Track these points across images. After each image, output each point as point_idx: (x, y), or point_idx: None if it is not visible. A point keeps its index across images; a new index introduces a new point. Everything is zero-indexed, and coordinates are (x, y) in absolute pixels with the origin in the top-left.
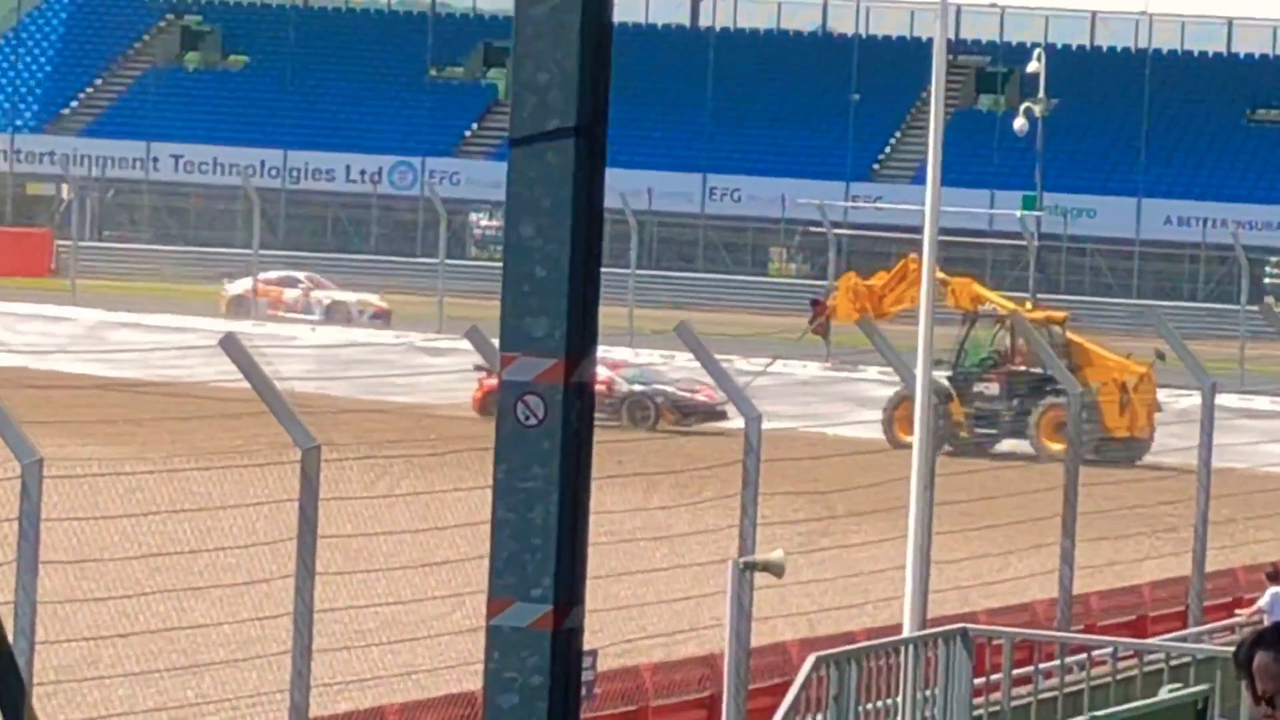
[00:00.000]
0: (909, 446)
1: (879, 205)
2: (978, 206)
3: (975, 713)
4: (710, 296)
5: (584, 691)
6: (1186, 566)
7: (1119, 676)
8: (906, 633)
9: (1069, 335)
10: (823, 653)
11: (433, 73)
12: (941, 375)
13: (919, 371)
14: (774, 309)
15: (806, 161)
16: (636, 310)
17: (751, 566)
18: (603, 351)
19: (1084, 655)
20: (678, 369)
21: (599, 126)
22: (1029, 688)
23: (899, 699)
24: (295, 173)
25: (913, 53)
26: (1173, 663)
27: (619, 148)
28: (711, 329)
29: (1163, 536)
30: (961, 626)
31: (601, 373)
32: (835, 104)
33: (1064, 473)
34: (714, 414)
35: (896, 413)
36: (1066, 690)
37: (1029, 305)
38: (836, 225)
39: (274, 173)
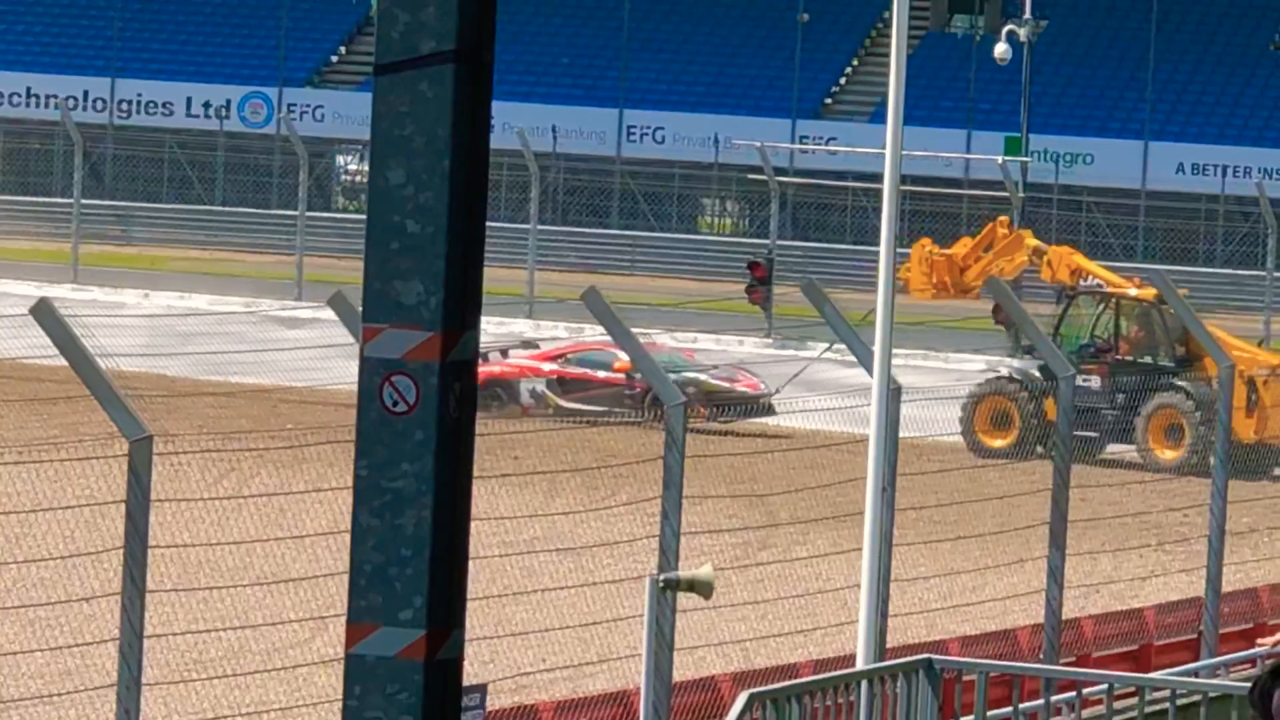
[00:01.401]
0: (998, 453)
1: (832, 148)
2: (951, 150)
3: None
4: (627, 257)
5: None
6: (1199, 586)
7: (1116, 718)
8: (860, 665)
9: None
10: (758, 689)
11: None
12: (1033, 364)
13: (877, 350)
14: (705, 273)
15: (744, 95)
16: (538, 274)
17: (673, 585)
18: (672, 338)
19: (1074, 692)
20: (709, 353)
21: (484, 49)
22: None
23: None
24: (125, 106)
25: None
26: (1180, 701)
27: (515, 77)
28: (628, 296)
29: (1171, 549)
30: (926, 657)
31: (621, 359)
32: (779, 25)
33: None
34: (758, 407)
35: (979, 409)
36: None
37: (1137, 281)
38: (780, 171)
39: (99, 105)
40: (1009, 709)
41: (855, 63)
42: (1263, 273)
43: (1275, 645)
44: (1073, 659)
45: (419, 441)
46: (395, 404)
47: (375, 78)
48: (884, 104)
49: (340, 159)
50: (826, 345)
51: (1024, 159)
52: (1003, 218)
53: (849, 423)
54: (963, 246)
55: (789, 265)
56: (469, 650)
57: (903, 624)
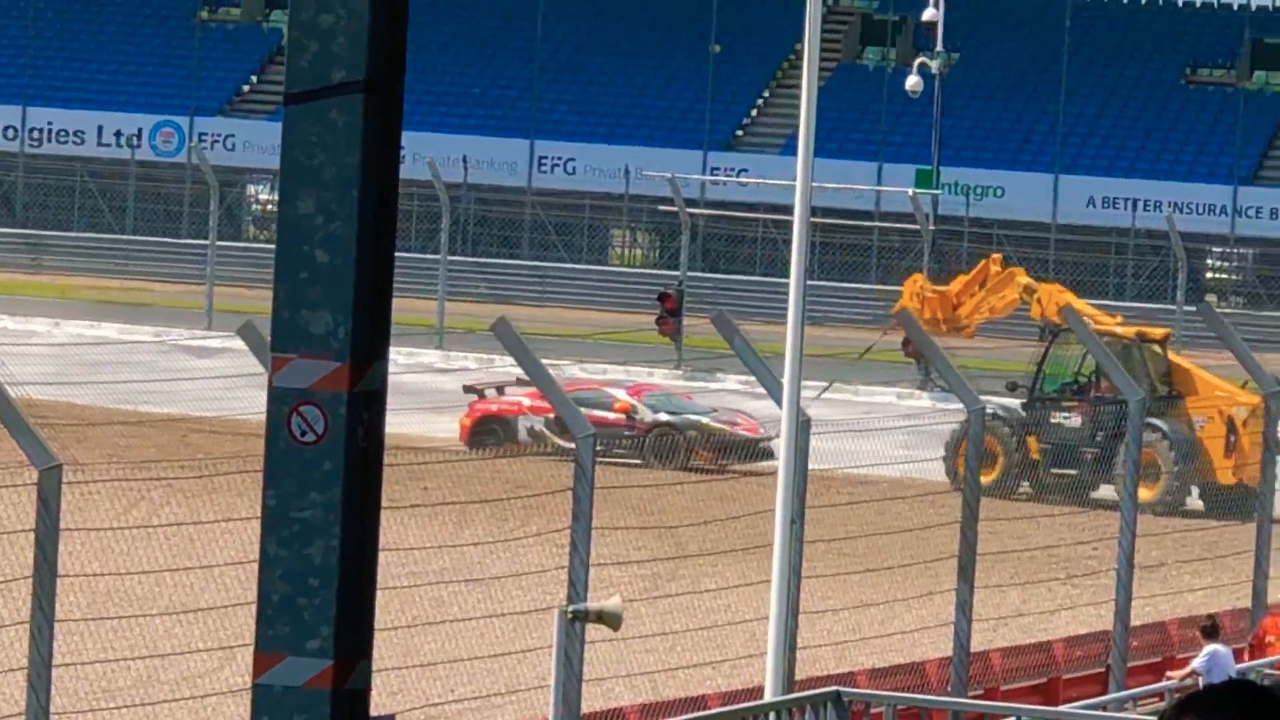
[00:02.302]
0: (982, 491)
1: (743, 180)
2: (862, 182)
3: None
4: (537, 288)
5: None
6: (1108, 619)
7: None
8: (769, 697)
9: (1172, 357)
10: None
11: (204, 14)
12: (1016, 402)
13: (785, 383)
14: (615, 304)
15: (656, 126)
16: (448, 304)
17: (582, 616)
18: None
19: None
20: (707, 393)
21: (394, 79)
22: None
23: None
24: (36, 134)
25: None
26: None
27: (426, 107)
28: (539, 327)
29: (1080, 583)
30: (835, 690)
31: (621, 399)
32: (691, 57)
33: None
34: (758, 451)
35: (962, 449)
36: None
37: (1119, 319)
38: (691, 203)
39: (10, 134)
40: None
41: (767, 94)
42: (1173, 306)
43: (1184, 679)
44: (981, 692)
45: (327, 471)
46: (304, 434)
47: (285, 107)
48: (795, 136)
49: (251, 188)
50: (826, 385)
51: (935, 192)
52: (995, 255)
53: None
54: (957, 284)
55: (699, 296)
56: (377, 680)
57: (811, 656)
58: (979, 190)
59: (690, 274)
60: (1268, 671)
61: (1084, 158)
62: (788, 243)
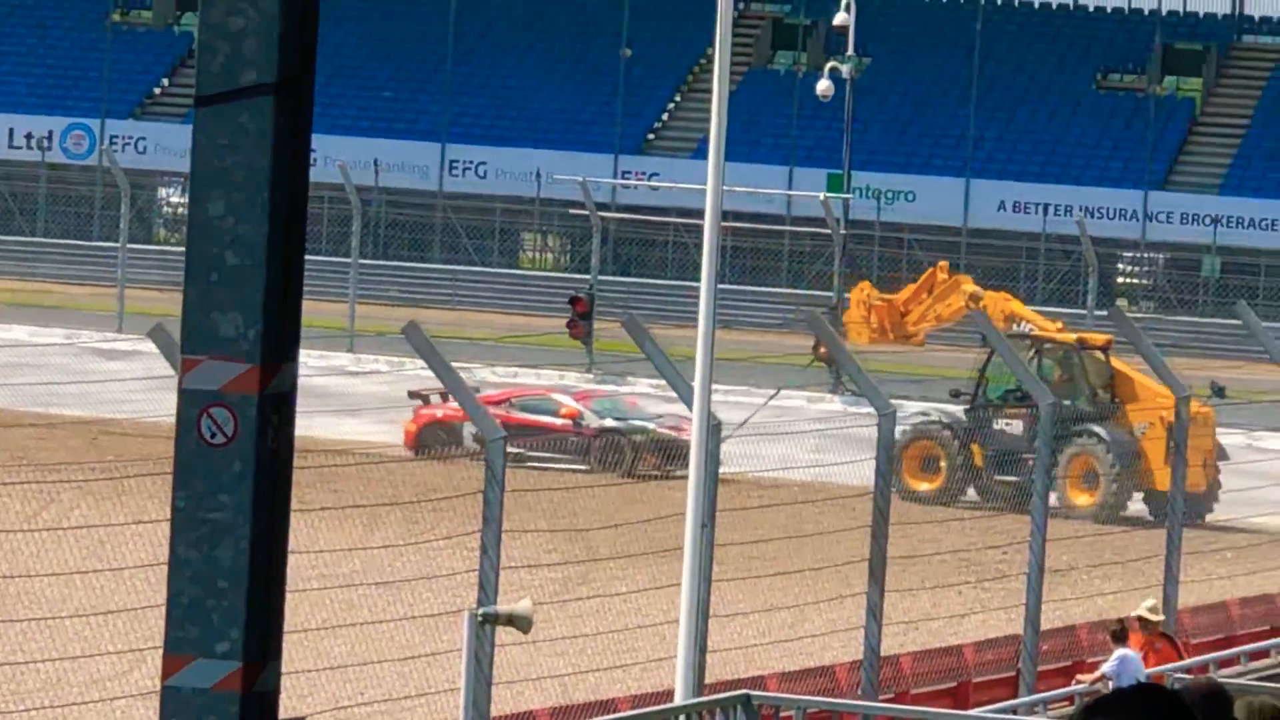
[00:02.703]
0: (922, 499)
1: (654, 184)
2: (773, 186)
3: None
4: (448, 291)
5: None
6: (1018, 623)
7: None
8: (679, 700)
9: (1114, 363)
10: None
11: (115, 17)
12: (959, 408)
13: (696, 386)
14: (526, 307)
15: (567, 130)
16: (359, 307)
17: (492, 619)
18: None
19: None
20: (650, 397)
21: (304, 82)
22: None
23: None
24: None
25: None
26: None
27: (337, 110)
28: (449, 331)
29: (990, 587)
30: (744, 693)
31: (568, 405)
32: (601, 61)
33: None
34: None
35: (907, 453)
36: None
37: (1060, 326)
38: (602, 207)
39: None
40: None
41: (678, 98)
42: (1084, 311)
43: (1093, 683)
44: (891, 696)
45: (237, 473)
46: (213, 435)
47: (195, 109)
48: (706, 140)
49: (162, 191)
50: (774, 392)
51: (846, 196)
52: (942, 262)
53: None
54: (906, 292)
55: (610, 300)
56: (287, 683)
57: (721, 659)
58: (890, 194)
59: (601, 277)
60: (1177, 675)
61: (995, 162)
62: (699, 246)
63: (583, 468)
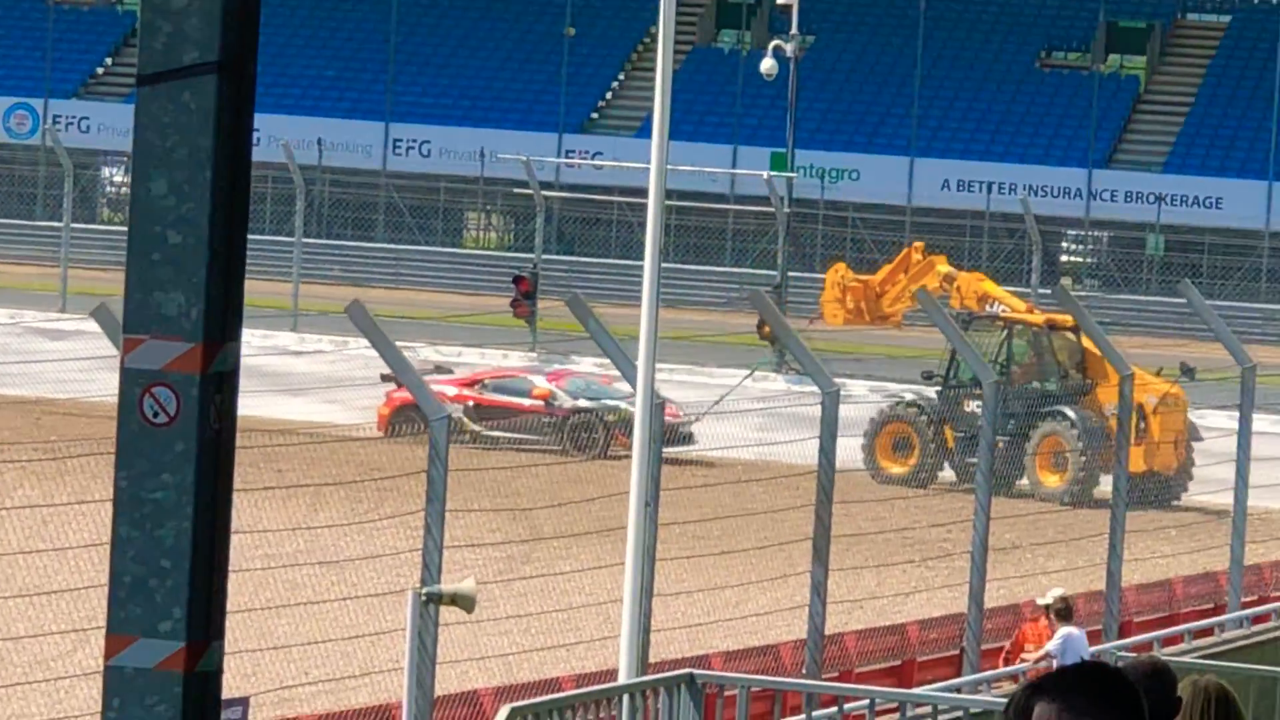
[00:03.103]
0: (896, 480)
1: (598, 163)
2: (717, 165)
3: None
4: (392, 271)
5: None
6: (962, 602)
7: None
8: (623, 679)
9: (1086, 343)
10: (520, 703)
11: None
12: (932, 390)
13: (640, 366)
14: (469, 287)
15: (510, 109)
16: (302, 287)
17: (436, 598)
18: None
19: (836, 708)
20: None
21: (247, 61)
22: None
23: None
24: None
25: None
26: (942, 717)
27: (280, 89)
28: (393, 310)
29: (934, 565)
30: (688, 672)
31: (540, 386)
32: (545, 40)
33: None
34: (677, 436)
35: (880, 436)
36: None
37: (1030, 306)
38: (546, 186)
39: None
40: None
41: (621, 77)
42: (1028, 289)
43: (1037, 661)
44: (835, 674)
45: (179, 453)
46: (156, 415)
47: (138, 89)
48: (650, 119)
49: (106, 170)
50: (749, 372)
51: (790, 175)
52: (917, 243)
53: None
54: (883, 272)
55: (554, 279)
56: (231, 663)
57: (666, 639)
58: (834, 173)
59: (545, 256)
60: (1120, 654)
61: (939, 141)
62: (642, 225)
63: (555, 448)
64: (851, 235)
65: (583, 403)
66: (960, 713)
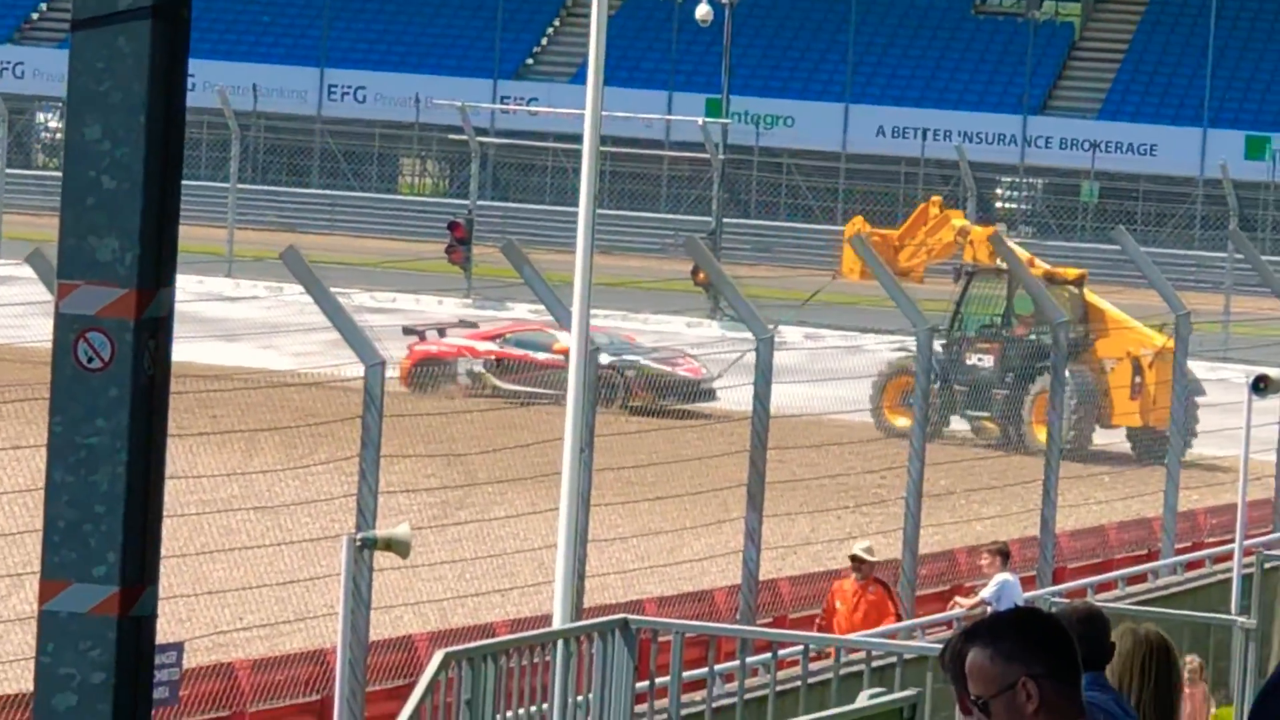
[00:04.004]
0: (903, 434)
1: (533, 109)
2: (652, 111)
3: None
4: (327, 217)
5: (165, 693)
6: (896, 548)
7: (811, 679)
8: (557, 624)
9: (1089, 297)
10: (454, 648)
11: None
12: (939, 343)
13: (575, 311)
14: (405, 233)
15: (445, 54)
16: (237, 232)
17: (370, 544)
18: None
19: (770, 653)
20: (646, 334)
21: (182, 5)
22: (703, 692)
23: (546, 704)
24: None
25: None
26: (875, 663)
27: (215, 35)
28: (328, 256)
29: (868, 511)
30: (622, 617)
31: (561, 340)
32: None
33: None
34: (699, 392)
35: (887, 389)
36: (748, 695)
37: (1031, 258)
38: (481, 132)
39: None
40: (705, 669)
41: (557, 23)
42: None
43: (973, 608)
44: (770, 620)
45: (113, 398)
46: (90, 360)
47: (72, 34)
48: (585, 65)
49: (41, 116)
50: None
51: (725, 121)
52: (935, 198)
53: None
54: (903, 228)
55: (489, 225)
56: (165, 608)
57: (600, 584)
58: (769, 119)
59: (480, 203)
60: (1054, 600)
61: (874, 87)
62: (577, 171)
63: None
64: (786, 182)
65: (603, 358)
66: (894, 658)
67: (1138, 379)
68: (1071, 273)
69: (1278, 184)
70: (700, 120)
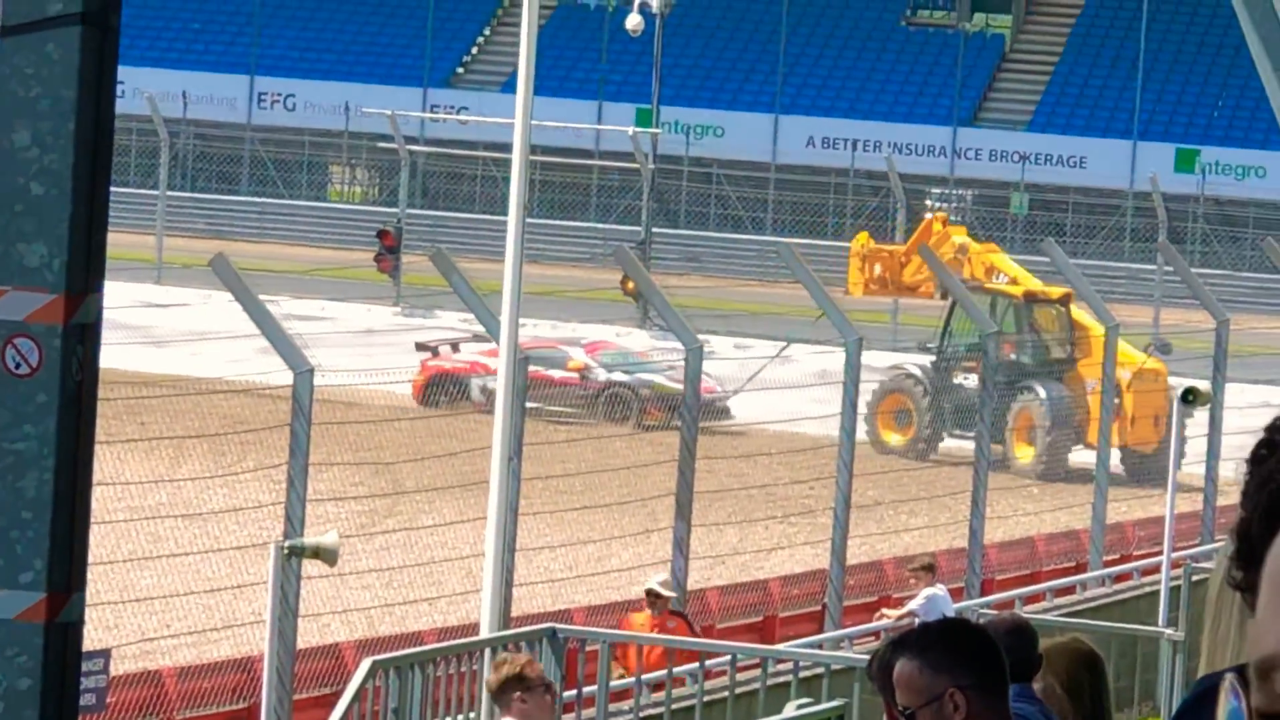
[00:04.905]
0: (895, 451)
1: (462, 118)
2: (582, 121)
3: None
4: (257, 224)
5: (91, 700)
6: (824, 558)
7: (738, 689)
8: (484, 633)
9: (1076, 316)
10: (381, 656)
11: None
12: (927, 361)
13: (504, 320)
14: (334, 241)
15: (376, 63)
16: (166, 240)
17: (298, 551)
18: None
19: (698, 663)
20: (658, 349)
21: (111, 13)
22: (630, 702)
23: (474, 713)
24: None
25: None
26: (803, 673)
27: (146, 42)
28: (257, 264)
29: (797, 522)
30: (550, 626)
31: (576, 358)
32: None
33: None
34: (713, 409)
35: (880, 407)
36: (675, 705)
37: (1013, 278)
38: (411, 140)
39: None
40: (632, 679)
41: (487, 32)
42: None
43: (899, 619)
44: (697, 630)
45: (41, 404)
46: (18, 366)
47: (1, 39)
48: (515, 74)
49: None
50: (784, 345)
51: (655, 131)
52: (940, 213)
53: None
54: (909, 244)
55: (418, 234)
56: (93, 615)
57: (528, 593)
58: (699, 129)
59: (409, 211)
60: (982, 611)
61: (804, 98)
62: (507, 180)
63: (590, 421)
64: (716, 192)
65: (618, 375)
66: (821, 669)
67: (1116, 400)
68: (1056, 291)
69: (1207, 197)
70: (630, 130)
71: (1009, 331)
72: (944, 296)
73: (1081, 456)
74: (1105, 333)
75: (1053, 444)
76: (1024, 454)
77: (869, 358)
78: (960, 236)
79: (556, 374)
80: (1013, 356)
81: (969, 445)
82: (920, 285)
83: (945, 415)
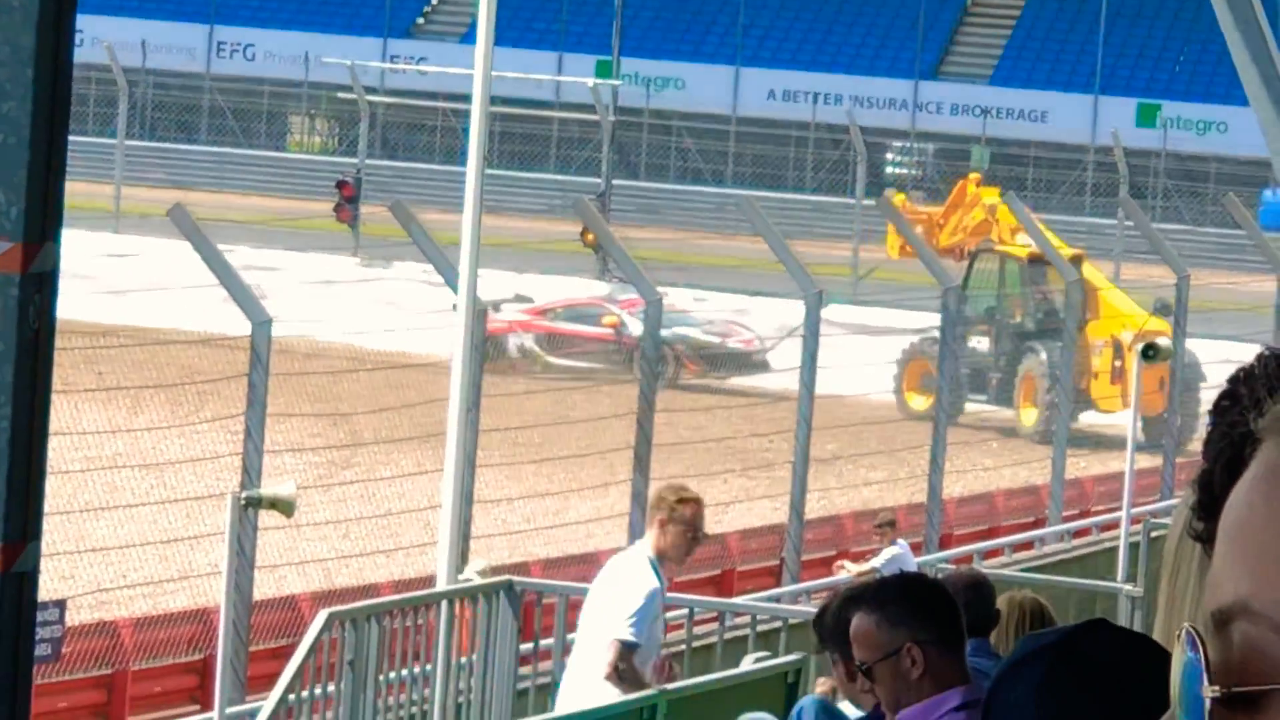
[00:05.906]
0: (920, 415)
1: (422, 68)
2: (542, 72)
3: (521, 684)
4: (215, 174)
5: (47, 650)
6: (783, 512)
7: (695, 643)
8: (441, 586)
9: (1087, 276)
10: (338, 608)
11: None
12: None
13: (463, 270)
14: (293, 191)
15: (335, 13)
16: (125, 189)
17: (255, 503)
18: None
19: None
20: (702, 307)
21: None
22: None
23: (430, 666)
24: None
25: None
26: (760, 627)
27: None
28: (216, 214)
29: (755, 475)
30: (507, 579)
31: (610, 313)
32: None
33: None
34: (751, 363)
35: (906, 371)
36: None
37: (1015, 240)
38: (371, 91)
39: None
40: None
41: None
42: (852, 200)
43: (860, 574)
44: None
45: None
46: None
47: None
48: (475, 24)
49: None
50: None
51: (615, 82)
52: (974, 174)
53: (435, 344)
54: (945, 206)
55: (378, 184)
56: (49, 566)
57: (485, 545)
58: (659, 81)
59: (369, 162)
60: (941, 566)
61: (765, 50)
62: (467, 131)
63: (627, 377)
64: (676, 144)
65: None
66: (779, 623)
67: (1117, 363)
68: (1068, 251)
69: (1169, 152)
70: (590, 81)
71: (1014, 292)
72: (962, 256)
73: (1090, 418)
74: (1066, 287)
75: (1049, 406)
76: (1027, 416)
77: (906, 319)
78: (991, 198)
79: (591, 330)
80: (1017, 318)
81: (985, 408)
82: (955, 248)
83: (962, 380)
